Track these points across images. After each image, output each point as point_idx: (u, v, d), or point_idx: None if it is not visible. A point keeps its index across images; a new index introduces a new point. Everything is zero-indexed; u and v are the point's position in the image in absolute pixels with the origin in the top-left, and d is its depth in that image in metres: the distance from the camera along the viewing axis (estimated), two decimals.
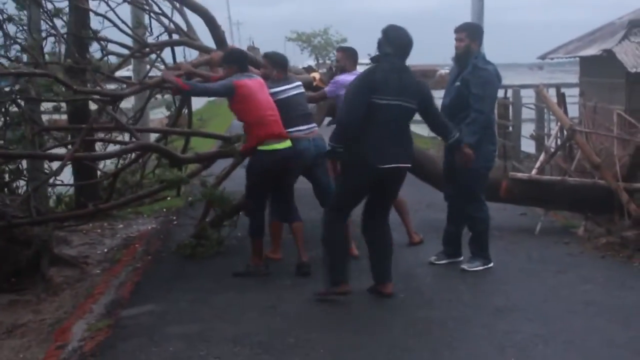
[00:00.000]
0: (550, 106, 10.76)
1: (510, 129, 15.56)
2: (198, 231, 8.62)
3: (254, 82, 7.51)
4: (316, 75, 9.04)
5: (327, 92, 8.48)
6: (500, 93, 15.62)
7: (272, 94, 7.67)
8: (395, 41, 6.67)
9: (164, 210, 11.45)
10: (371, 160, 6.49)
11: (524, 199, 9.42)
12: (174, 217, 10.86)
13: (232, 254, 8.48)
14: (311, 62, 45.92)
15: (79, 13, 10.28)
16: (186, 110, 10.66)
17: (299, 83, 8.13)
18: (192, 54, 11.20)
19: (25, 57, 9.23)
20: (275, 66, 7.96)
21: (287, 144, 7.51)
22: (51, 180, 9.95)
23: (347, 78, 7.88)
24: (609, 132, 10.34)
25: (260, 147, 7.42)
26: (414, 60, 7.24)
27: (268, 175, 7.53)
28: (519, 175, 9.45)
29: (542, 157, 10.47)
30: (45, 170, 9.43)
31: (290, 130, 7.67)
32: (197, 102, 34.99)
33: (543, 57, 17.03)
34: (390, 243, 6.98)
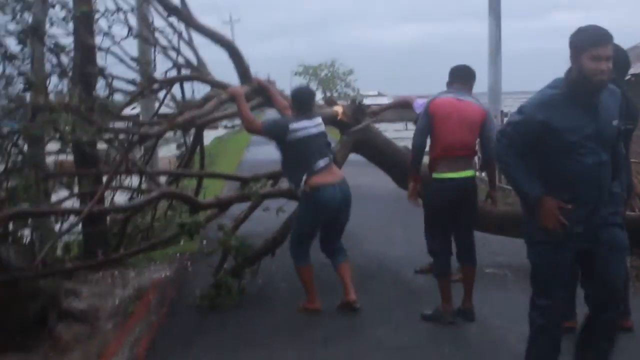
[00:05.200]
0: None
1: None
2: (217, 281, 7.96)
3: (449, 103, 6.89)
4: (339, 108, 8.45)
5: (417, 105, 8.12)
6: None
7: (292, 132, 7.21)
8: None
9: (178, 255, 10.80)
10: None
11: None
12: (189, 263, 10.21)
13: (254, 305, 7.84)
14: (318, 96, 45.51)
15: (85, 49, 9.74)
16: (199, 149, 10.14)
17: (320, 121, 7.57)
18: (202, 90, 10.73)
19: (28, 97, 8.70)
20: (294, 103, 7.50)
21: (466, 173, 6.84)
22: (57, 228, 9.41)
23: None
24: None
25: (435, 175, 6.87)
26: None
27: (443, 207, 6.88)
28: None
29: None
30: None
31: (311, 167, 7.17)
32: (204, 139, 34.71)
33: None
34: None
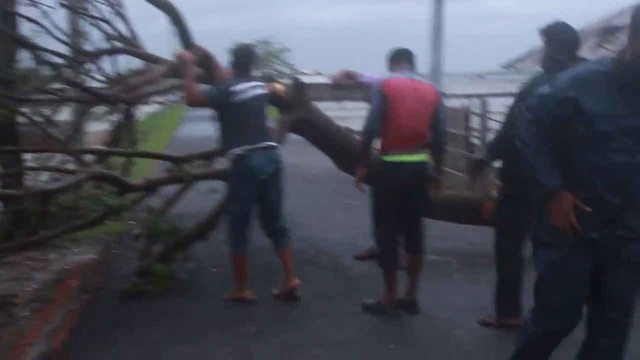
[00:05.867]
0: None
1: (476, 141, 14.51)
2: (143, 267, 7.46)
3: (403, 83, 6.42)
4: (278, 86, 7.96)
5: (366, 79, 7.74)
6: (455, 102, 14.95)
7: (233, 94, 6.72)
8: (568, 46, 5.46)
9: (103, 236, 10.21)
10: None
11: None
12: (115, 245, 9.65)
13: (183, 293, 7.35)
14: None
15: (6, 17, 9.09)
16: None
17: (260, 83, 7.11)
18: (135, 63, 10.19)
19: None
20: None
21: (420, 157, 6.44)
22: None
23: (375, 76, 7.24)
24: None
25: (388, 159, 6.39)
26: None
27: (395, 192, 6.43)
28: None
29: None
30: None
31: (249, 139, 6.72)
32: (137, 114, 33.55)
33: (508, 66, 16.19)
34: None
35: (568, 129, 3.97)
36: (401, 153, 6.32)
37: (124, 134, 9.69)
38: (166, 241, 7.55)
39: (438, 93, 6.60)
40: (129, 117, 9.43)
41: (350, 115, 32.29)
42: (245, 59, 7.03)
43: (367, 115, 6.49)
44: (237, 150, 6.71)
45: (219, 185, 7.90)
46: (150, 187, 7.80)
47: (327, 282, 7.54)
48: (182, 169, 7.57)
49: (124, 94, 8.01)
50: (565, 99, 3.94)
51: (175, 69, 7.63)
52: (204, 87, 7.01)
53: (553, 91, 4.01)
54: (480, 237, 9.15)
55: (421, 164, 6.43)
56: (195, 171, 7.69)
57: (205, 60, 7.75)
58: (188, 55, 7.20)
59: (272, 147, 6.91)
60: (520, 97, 5.57)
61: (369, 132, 6.45)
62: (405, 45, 6.85)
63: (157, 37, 8.26)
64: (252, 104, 6.82)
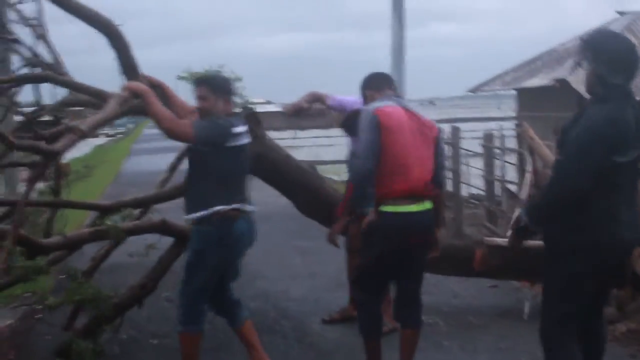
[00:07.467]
0: (537, 149, 8.47)
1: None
2: (64, 345, 6.03)
3: (399, 113, 5.14)
4: None
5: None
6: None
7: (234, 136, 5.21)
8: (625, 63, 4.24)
9: (26, 295, 8.69)
10: (614, 236, 4.09)
11: (504, 271, 7.14)
12: (38, 307, 8.13)
13: None
14: None
15: None
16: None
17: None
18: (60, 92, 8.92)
19: None
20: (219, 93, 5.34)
21: (426, 205, 5.08)
22: None
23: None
24: None
25: (388, 209, 5.00)
26: None
27: (393, 250, 5.07)
28: (498, 240, 7.11)
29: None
30: None
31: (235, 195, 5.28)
32: (84, 147, 32.19)
33: (474, 90, 15.14)
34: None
35: None
36: (405, 202, 4.98)
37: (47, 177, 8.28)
38: (91, 311, 6.13)
39: (438, 127, 5.30)
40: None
41: (303, 145, 31.23)
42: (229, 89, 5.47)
43: (357, 150, 5.14)
44: (221, 209, 5.20)
45: (157, 240, 6.51)
46: (69, 246, 6.35)
47: (292, 357, 6.14)
48: (110, 222, 6.15)
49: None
50: None
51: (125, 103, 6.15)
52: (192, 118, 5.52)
53: None
54: (465, 288, 7.96)
55: (428, 213, 5.09)
56: (126, 224, 6.25)
57: (156, 92, 6.32)
58: (140, 85, 5.63)
59: (252, 213, 5.48)
60: (561, 141, 4.27)
61: (365, 172, 5.06)
62: (360, 72, 5.67)
63: (101, 69, 6.95)
64: (244, 152, 5.34)
